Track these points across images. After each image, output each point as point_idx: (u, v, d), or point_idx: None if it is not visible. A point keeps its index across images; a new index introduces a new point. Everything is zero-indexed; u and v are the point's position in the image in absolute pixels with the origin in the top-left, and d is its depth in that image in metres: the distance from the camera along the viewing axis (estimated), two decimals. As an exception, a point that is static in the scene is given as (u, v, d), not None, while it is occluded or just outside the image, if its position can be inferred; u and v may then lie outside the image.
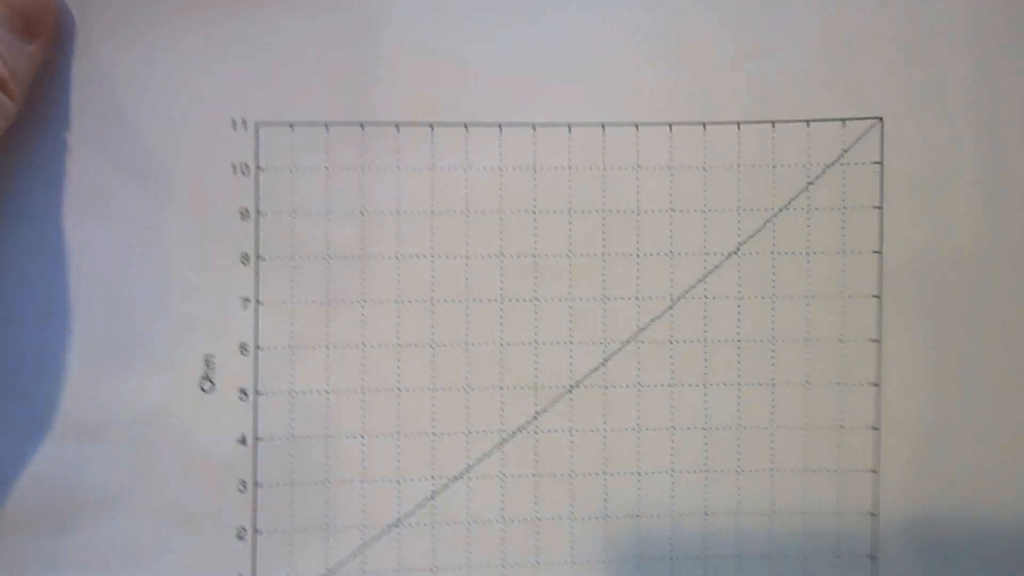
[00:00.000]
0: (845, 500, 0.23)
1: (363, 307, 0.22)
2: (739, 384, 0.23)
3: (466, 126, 0.22)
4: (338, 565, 0.22)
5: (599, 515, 0.23)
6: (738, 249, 0.23)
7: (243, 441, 0.22)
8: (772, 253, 0.23)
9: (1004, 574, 0.22)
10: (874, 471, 0.23)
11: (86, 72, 0.22)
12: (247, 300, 0.22)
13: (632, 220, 0.23)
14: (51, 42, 0.21)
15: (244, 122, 0.22)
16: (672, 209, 0.23)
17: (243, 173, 0.22)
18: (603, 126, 0.22)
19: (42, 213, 0.21)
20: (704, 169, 0.23)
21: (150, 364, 0.21)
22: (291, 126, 0.22)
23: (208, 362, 0.22)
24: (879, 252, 0.23)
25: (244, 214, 0.22)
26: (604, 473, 0.23)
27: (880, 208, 0.23)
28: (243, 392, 0.22)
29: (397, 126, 0.22)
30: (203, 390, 0.22)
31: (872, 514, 0.23)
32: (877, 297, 0.23)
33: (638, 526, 0.23)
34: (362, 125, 0.22)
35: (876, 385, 0.23)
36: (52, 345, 0.21)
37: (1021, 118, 0.22)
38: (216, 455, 0.22)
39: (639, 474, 0.23)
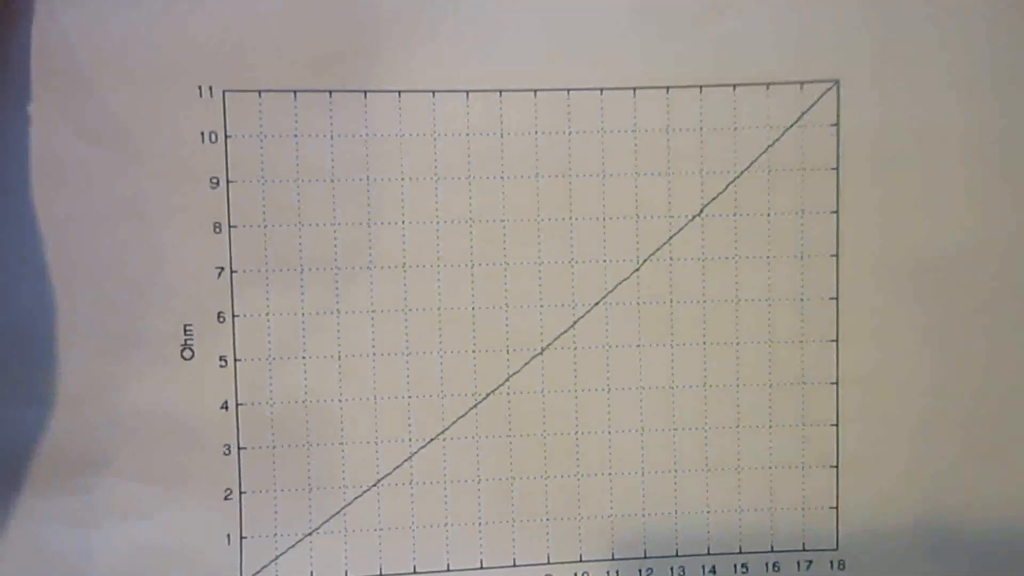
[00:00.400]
0: (809, 452, 0.25)
1: (336, 273, 0.24)
2: (704, 344, 0.25)
3: (433, 93, 0.24)
4: (321, 523, 0.24)
5: (571, 473, 0.25)
6: (701, 211, 0.25)
7: (225, 407, 0.23)
8: (734, 215, 0.25)
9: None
10: (834, 424, 0.25)
11: (47, 41, 0.22)
12: (221, 269, 0.23)
13: (597, 183, 0.24)
14: (8, 11, 0.22)
15: (211, 89, 0.23)
16: (636, 172, 0.24)
17: (211, 141, 0.23)
18: (568, 91, 0.24)
19: (9, 186, 0.22)
20: (667, 132, 0.24)
21: (131, 334, 0.23)
22: (259, 93, 0.23)
23: (187, 331, 0.23)
24: (836, 213, 0.25)
25: (214, 183, 0.23)
26: (576, 432, 0.25)
27: (836, 170, 0.25)
28: (223, 359, 0.23)
29: (365, 93, 0.24)
30: (184, 358, 0.23)
31: (832, 466, 0.25)
32: (835, 257, 0.25)
33: (610, 483, 0.25)
34: (330, 92, 0.24)
35: (835, 341, 0.25)
36: (31, 319, 0.23)
37: (974, 80, 0.25)
38: (200, 420, 0.23)
39: (610, 433, 0.25)
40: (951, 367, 0.25)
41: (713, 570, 0.25)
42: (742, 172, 0.24)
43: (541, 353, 0.24)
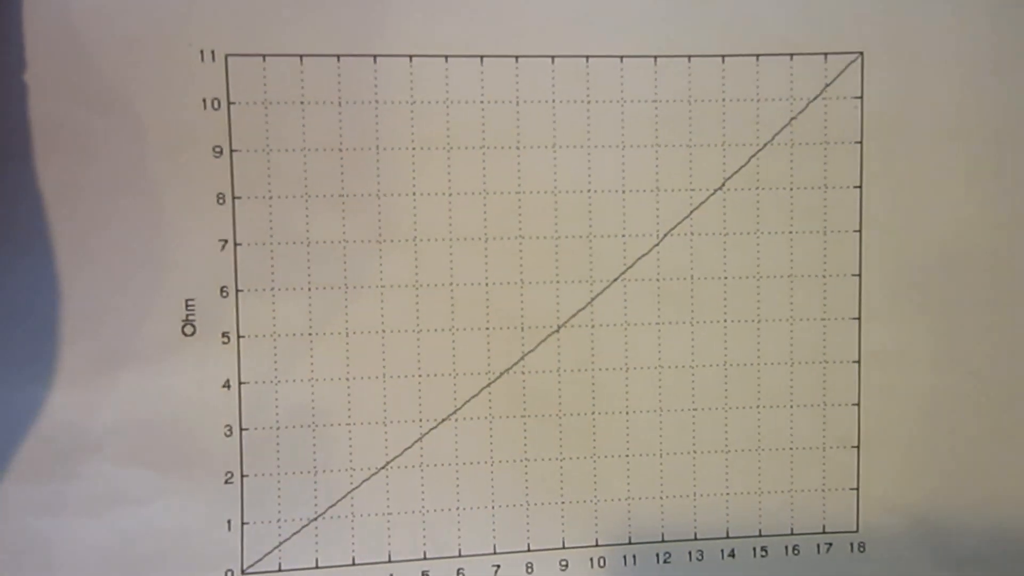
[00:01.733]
0: (829, 433, 0.28)
1: (344, 247, 0.26)
2: (725, 321, 0.28)
3: (446, 58, 0.26)
4: (328, 508, 0.26)
5: (588, 455, 0.27)
6: (723, 185, 0.27)
7: (227, 385, 0.26)
8: (756, 189, 0.28)
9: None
10: (855, 404, 0.28)
11: (41, 6, 0.24)
12: (224, 241, 0.26)
13: (617, 155, 0.27)
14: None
15: (213, 53, 0.25)
16: (657, 144, 0.27)
17: (214, 108, 0.26)
18: (587, 58, 0.27)
19: (8, 157, 0.24)
20: (689, 103, 0.27)
21: (131, 309, 0.25)
22: (263, 57, 0.26)
23: (189, 306, 0.25)
24: (859, 187, 0.28)
25: (217, 151, 0.26)
26: (592, 412, 0.27)
27: (860, 143, 0.28)
28: (225, 336, 0.26)
29: (375, 58, 0.26)
30: (185, 334, 0.25)
31: (854, 447, 0.28)
32: (858, 232, 0.28)
33: (627, 465, 0.28)
34: (338, 57, 0.26)
35: (857, 319, 0.28)
36: (29, 294, 0.25)
37: (999, 53, 0.28)
38: (200, 399, 0.26)
39: (627, 413, 0.27)
40: (976, 345, 0.28)
41: (732, 553, 0.28)
42: (765, 145, 0.27)
43: (557, 331, 0.27)
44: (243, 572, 0.26)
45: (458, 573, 0.27)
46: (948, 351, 0.28)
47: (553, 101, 0.27)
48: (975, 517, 0.28)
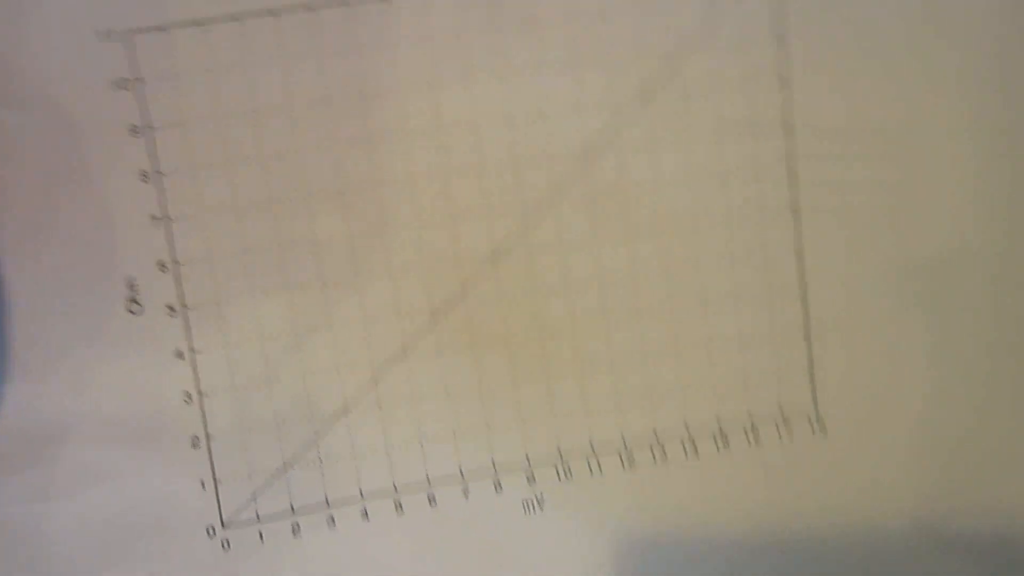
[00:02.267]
0: (776, 323, 0.30)
1: (271, 208, 0.28)
2: (662, 229, 0.29)
3: (348, 4, 0.27)
4: (294, 457, 0.29)
5: (541, 377, 0.29)
6: (646, 94, 0.28)
7: (180, 356, 0.28)
8: (683, 96, 0.28)
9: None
10: (801, 296, 0.29)
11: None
12: (156, 218, 0.27)
13: (534, 80, 0.28)
14: None
15: (113, 32, 0.26)
16: (575, 63, 0.28)
17: (124, 88, 0.27)
18: (489, -16, 0.27)
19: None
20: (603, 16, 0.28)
21: (75, 295, 0.27)
22: (164, 29, 0.27)
23: (131, 284, 0.27)
24: (787, 81, 0.29)
25: (134, 131, 0.27)
26: (540, 336, 0.29)
27: (783, 36, 0.28)
28: (171, 308, 0.28)
29: (279, 14, 0.27)
30: (132, 312, 0.27)
31: (803, 336, 0.30)
32: (790, 124, 0.29)
33: (581, 379, 0.29)
34: (241, 19, 0.27)
35: (795, 211, 0.29)
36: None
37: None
38: (156, 373, 0.28)
39: (574, 332, 0.29)
40: (916, 231, 0.29)
41: (695, 448, 0.30)
42: (685, 49, 0.28)
43: (494, 259, 0.28)
44: (223, 526, 0.29)
45: (430, 500, 0.29)
46: (890, 239, 0.29)
47: (460, 32, 0.27)
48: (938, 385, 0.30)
